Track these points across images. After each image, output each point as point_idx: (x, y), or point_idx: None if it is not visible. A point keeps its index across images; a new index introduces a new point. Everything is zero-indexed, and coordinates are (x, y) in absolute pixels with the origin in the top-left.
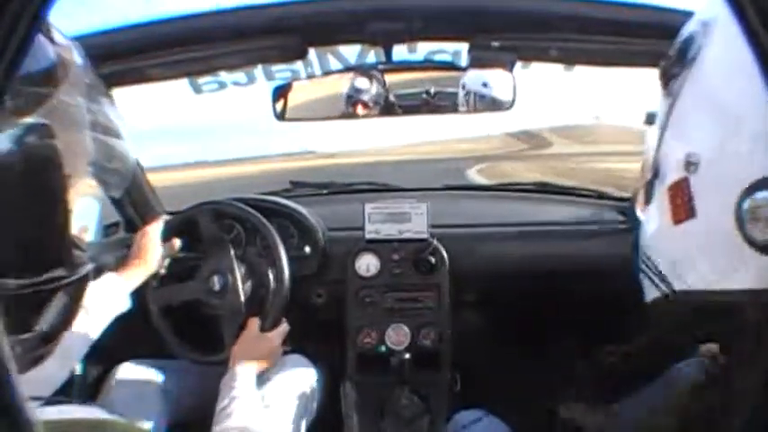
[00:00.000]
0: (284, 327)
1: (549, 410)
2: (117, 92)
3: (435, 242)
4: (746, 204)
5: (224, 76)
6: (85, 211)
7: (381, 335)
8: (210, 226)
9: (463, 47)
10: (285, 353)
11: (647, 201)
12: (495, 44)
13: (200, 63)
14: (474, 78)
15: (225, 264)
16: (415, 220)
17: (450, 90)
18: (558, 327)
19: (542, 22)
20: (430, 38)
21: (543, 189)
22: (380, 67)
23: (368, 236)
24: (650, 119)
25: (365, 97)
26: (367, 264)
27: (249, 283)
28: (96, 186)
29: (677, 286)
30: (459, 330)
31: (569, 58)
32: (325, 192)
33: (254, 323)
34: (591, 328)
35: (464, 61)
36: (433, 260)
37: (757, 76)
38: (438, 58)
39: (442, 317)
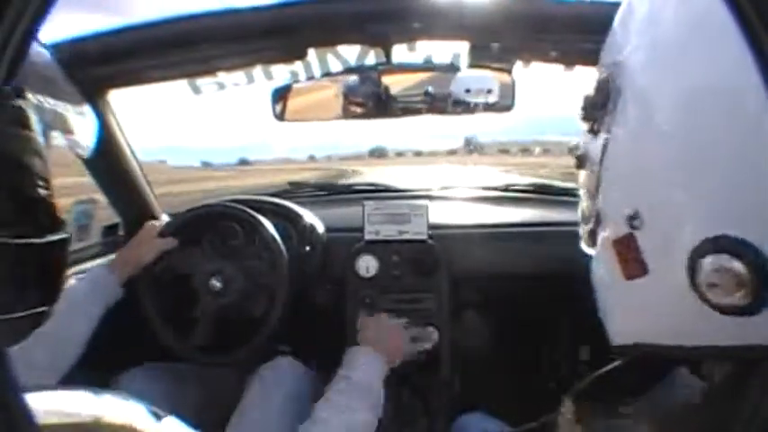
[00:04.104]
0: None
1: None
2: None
3: (435, 243)
4: (698, 269)
5: (223, 76)
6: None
7: None
8: (210, 227)
9: (463, 47)
10: (280, 354)
11: (592, 245)
12: (495, 45)
13: (199, 64)
14: (458, 83)
15: (224, 265)
16: (414, 221)
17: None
18: (558, 327)
19: (542, 22)
20: (429, 38)
21: (542, 190)
22: (380, 68)
23: (367, 237)
24: (581, 162)
25: (359, 96)
26: (366, 265)
27: (249, 285)
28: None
29: (632, 340)
30: (459, 331)
31: (569, 59)
32: (324, 193)
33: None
34: (590, 328)
35: (463, 62)
36: (432, 261)
37: (685, 127)
38: (437, 58)
39: (441, 318)
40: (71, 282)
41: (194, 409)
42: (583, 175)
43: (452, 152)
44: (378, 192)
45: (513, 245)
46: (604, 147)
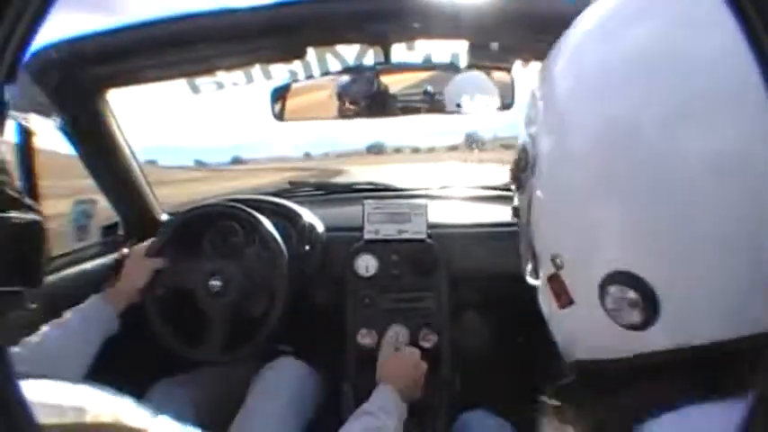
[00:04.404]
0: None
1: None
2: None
3: (434, 243)
4: (605, 298)
5: (222, 76)
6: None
7: (380, 335)
8: (209, 226)
9: (462, 47)
10: (282, 354)
11: (536, 278)
12: (494, 44)
13: (198, 63)
14: (451, 96)
15: (224, 265)
16: (414, 221)
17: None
18: None
19: (541, 22)
20: (428, 38)
21: None
22: (378, 67)
23: (367, 236)
24: (515, 213)
25: (352, 96)
26: (366, 264)
27: (248, 284)
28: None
29: (573, 358)
30: (459, 331)
31: None
32: (324, 192)
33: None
34: None
35: (463, 61)
36: (431, 261)
37: (592, 187)
38: (437, 58)
39: (441, 317)
40: (66, 315)
41: (199, 410)
42: (518, 223)
43: (453, 148)
44: (377, 191)
45: (512, 244)
46: (529, 203)
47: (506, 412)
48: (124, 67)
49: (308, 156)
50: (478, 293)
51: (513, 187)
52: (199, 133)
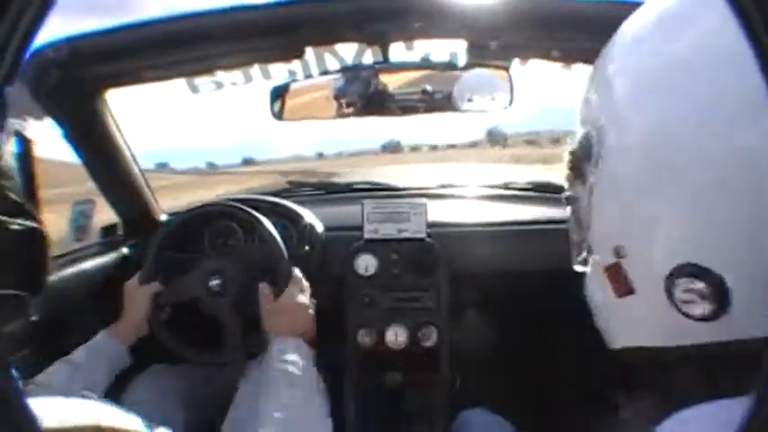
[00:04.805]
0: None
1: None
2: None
3: (434, 242)
4: (674, 289)
5: (221, 75)
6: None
7: (380, 335)
8: (209, 226)
9: (461, 45)
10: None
11: (584, 265)
12: (493, 43)
13: (197, 63)
14: (460, 91)
15: (223, 264)
16: (413, 220)
17: (448, 89)
18: (557, 327)
19: (540, 21)
20: (427, 38)
21: (541, 188)
22: (377, 66)
23: (367, 235)
24: (569, 201)
25: (349, 96)
26: (366, 263)
27: (249, 284)
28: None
29: (627, 344)
30: (459, 329)
31: (568, 58)
32: (323, 192)
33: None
34: (590, 327)
35: (461, 61)
36: (431, 260)
37: (663, 178)
38: (435, 56)
39: (440, 316)
40: (74, 353)
41: (200, 407)
42: (571, 211)
43: (474, 145)
44: (376, 190)
45: (512, 243)
46: (590, 192)
47: (506, 411)
48: (123, 66)
49: (320, 155)
50: (478, 292)
51: (567, 175)
52: (209, 133)
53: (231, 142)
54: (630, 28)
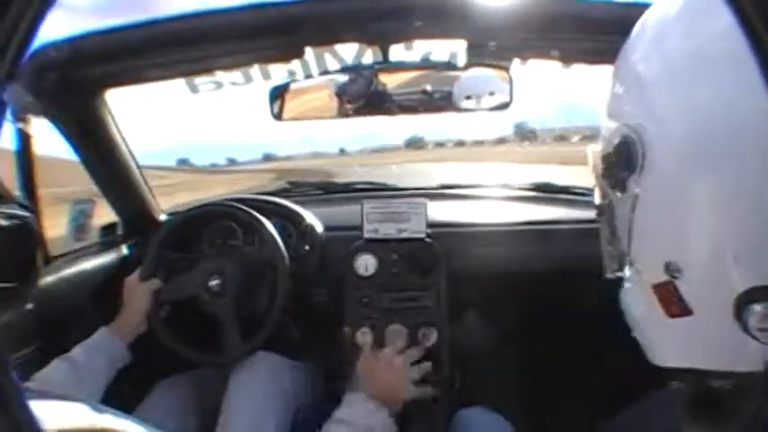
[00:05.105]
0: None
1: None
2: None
3: (433, 242)
4: (746, 315)
5: (221, 75)
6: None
7: (380, 335)
8: (209, 226)
9: (461, 45)
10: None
11: (620, 280)
12: (493, 43)
13: (197, 63)
14: (459, 88)
15: (223, 264)
16: (413, 220)
17: (448, 89)
18: (557, 326)
19: (540, 21)
20: (427, 38)
21: (542, 188)
22: (377, 66)
23: (366, 235)
24: (602, 211)
25: (350, 95)
26: (365, 263)
27: (248, 284)
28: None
29: (679, 365)
30: (458, 329)
31: (568, 58)
32: (323, 191)
33: (386, 352)
34: (589, 327)
35: (461, 61)
36: (431, 260)
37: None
38: (435, 56)
39: (440, 316)
40: (73, 350)
41: (214, 412)
42: (605, 222)
43: (501, 141)
44: (376, 190)
45: (512, 243)
46: (633, 203)
47: (506, 410)
48: (123, 66)
49: (342, 152)
50: (478, 292)
51: (599, 182)
52: (230, 129)
53: (251, 138)
54: (654, 18)
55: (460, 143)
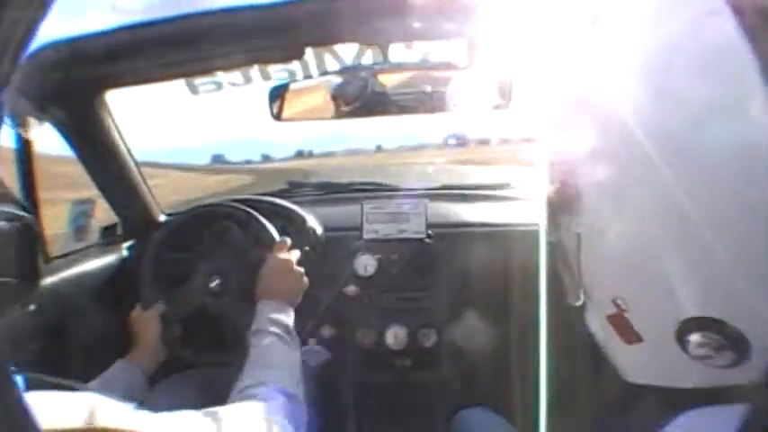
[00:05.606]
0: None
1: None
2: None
3: (434, 242)
4: (686, 341)
5: (220, 76)
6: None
7: (380, 335)
8: (209, 227)
9: (461, 46)
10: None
11: (578, 300)
12: (492, 44)
13: (197, 63)
14: (452, 91)
15: (223, 265)
16: (413, 220)
17: (447, 89)
18: (558, 327)
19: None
20: (427, 38)
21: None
22: (377, 67)
23: (366, 236)
24: (554, 249)
25: (346, 96)
26: (365, 264)
27: (248, 284)
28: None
29: (640, 381)
30: (458, 330)
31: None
32: (323, 192)
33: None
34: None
35: (461, 61)
36: (431, 260)
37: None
38: (435, 57)
39: (440, 316)
40: (91, 384)
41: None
42: (557, 254)
43: (528, 140)
44: (376, 190)
45: (512, 243)
46: (578, 242)
47: (506, 411)
48: (123, 66)
49: (351, 152)
50: (478, 293)
51: (546, 223)
52: (266, 126)
53: (285, 135)
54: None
55: (484, 142)
